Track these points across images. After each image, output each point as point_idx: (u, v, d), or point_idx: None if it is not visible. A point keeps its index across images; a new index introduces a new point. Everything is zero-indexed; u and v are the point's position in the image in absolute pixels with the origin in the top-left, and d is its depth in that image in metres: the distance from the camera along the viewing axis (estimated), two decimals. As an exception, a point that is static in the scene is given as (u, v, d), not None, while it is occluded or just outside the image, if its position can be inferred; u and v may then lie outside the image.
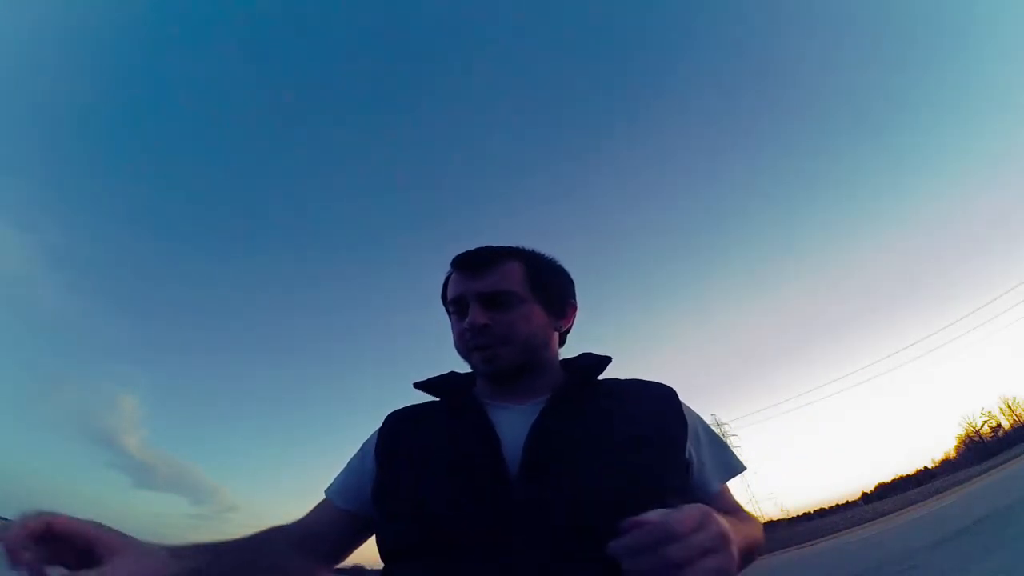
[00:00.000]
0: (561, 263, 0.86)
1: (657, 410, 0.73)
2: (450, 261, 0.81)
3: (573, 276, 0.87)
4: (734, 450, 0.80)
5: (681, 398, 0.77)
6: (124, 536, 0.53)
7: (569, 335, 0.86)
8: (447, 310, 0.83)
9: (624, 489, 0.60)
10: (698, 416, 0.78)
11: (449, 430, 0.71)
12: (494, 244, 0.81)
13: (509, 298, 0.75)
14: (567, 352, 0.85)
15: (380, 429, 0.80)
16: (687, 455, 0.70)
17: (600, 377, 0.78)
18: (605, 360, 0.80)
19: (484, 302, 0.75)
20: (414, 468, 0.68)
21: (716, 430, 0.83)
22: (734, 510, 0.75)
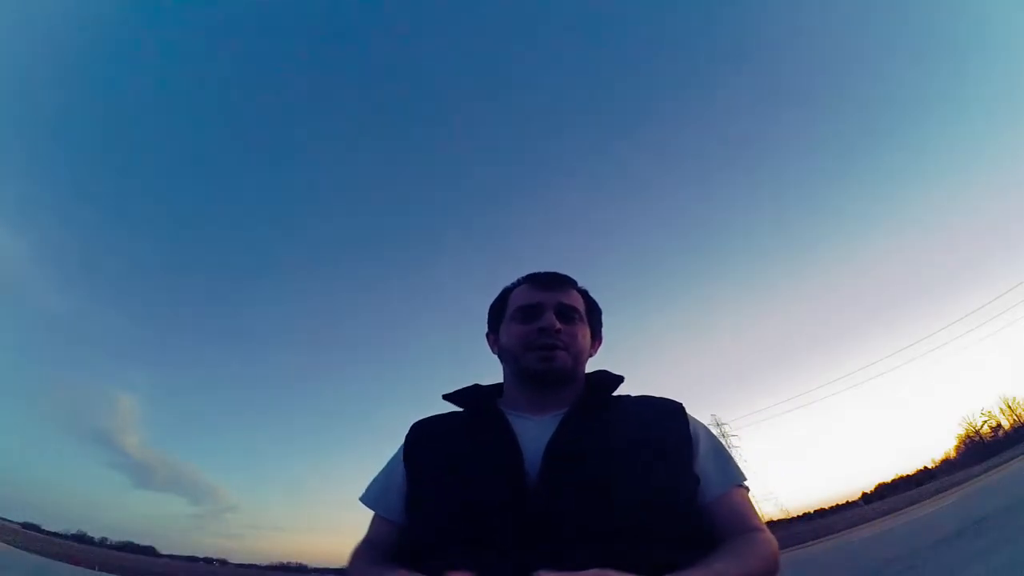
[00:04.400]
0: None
1: (667, 426, 0.80)
2: (524, 276, 0.97)
3: (574, 276, 1.00)
4: (736, 460, 0.84)
5: (687, 408, 0.85)
6: None
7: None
8: (503, 316, 0.95)
9: (635, 501, 0.67)
10: (704, 427, 0.85)
11: (472, 439, 0.80)
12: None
13: (576, 315, 0.90)
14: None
15: (406, 438, 0.89)
16: (696, 469, 0.77)
17: (613, 394, 0.87)
18: (618, 379, 0.90)
19: (559, 313, 0.88)
20: (438, 475, 0.77)
21: (717, 431, 0.89)
22: (733, 526, 0.73)
